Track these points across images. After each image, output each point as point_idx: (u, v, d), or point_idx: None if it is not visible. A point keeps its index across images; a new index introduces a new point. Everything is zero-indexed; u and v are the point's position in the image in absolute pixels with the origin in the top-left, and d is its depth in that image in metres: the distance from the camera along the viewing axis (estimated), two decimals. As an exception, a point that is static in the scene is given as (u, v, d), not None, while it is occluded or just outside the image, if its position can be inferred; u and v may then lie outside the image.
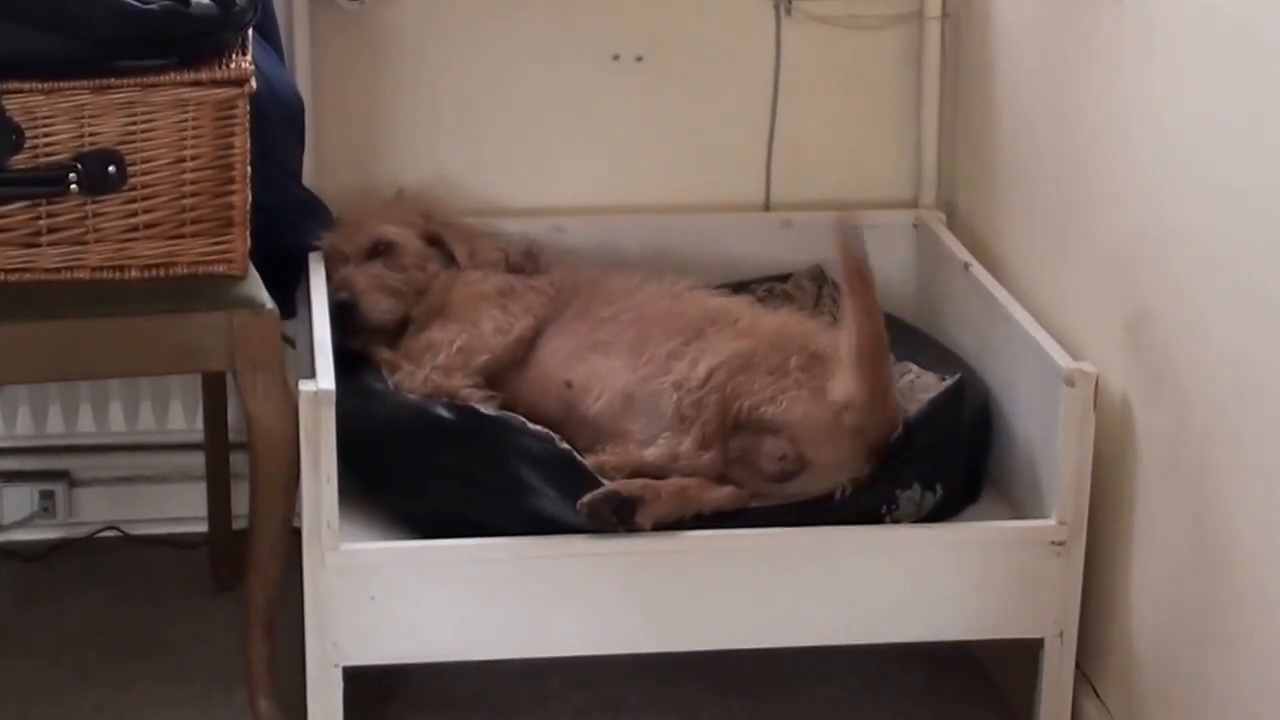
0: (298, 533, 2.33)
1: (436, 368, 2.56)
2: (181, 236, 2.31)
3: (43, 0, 2.18)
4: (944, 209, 2.97)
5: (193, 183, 2.29)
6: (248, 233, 2.33)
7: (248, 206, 2.31)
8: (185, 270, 2.32)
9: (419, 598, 2.33)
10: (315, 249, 2.66)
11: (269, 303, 2.32)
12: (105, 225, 2.29)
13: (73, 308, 2.28)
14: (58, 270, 2.29)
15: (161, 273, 2.31)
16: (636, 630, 2.37)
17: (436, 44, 2.89)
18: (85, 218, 2.28)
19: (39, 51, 2.19)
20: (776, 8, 2.93)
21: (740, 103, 2.96)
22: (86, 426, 2.94)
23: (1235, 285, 2.09)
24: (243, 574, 2.42)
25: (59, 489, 2.96)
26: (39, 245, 2.28)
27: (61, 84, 2.22)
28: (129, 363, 2.35)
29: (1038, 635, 2.41)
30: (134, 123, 2.25)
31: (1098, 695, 2.45)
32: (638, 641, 2.38)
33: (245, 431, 2.35)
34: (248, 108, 2.27)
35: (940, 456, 2.45)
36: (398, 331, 2.65)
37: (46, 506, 2.95)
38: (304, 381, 2.29)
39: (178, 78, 2.24)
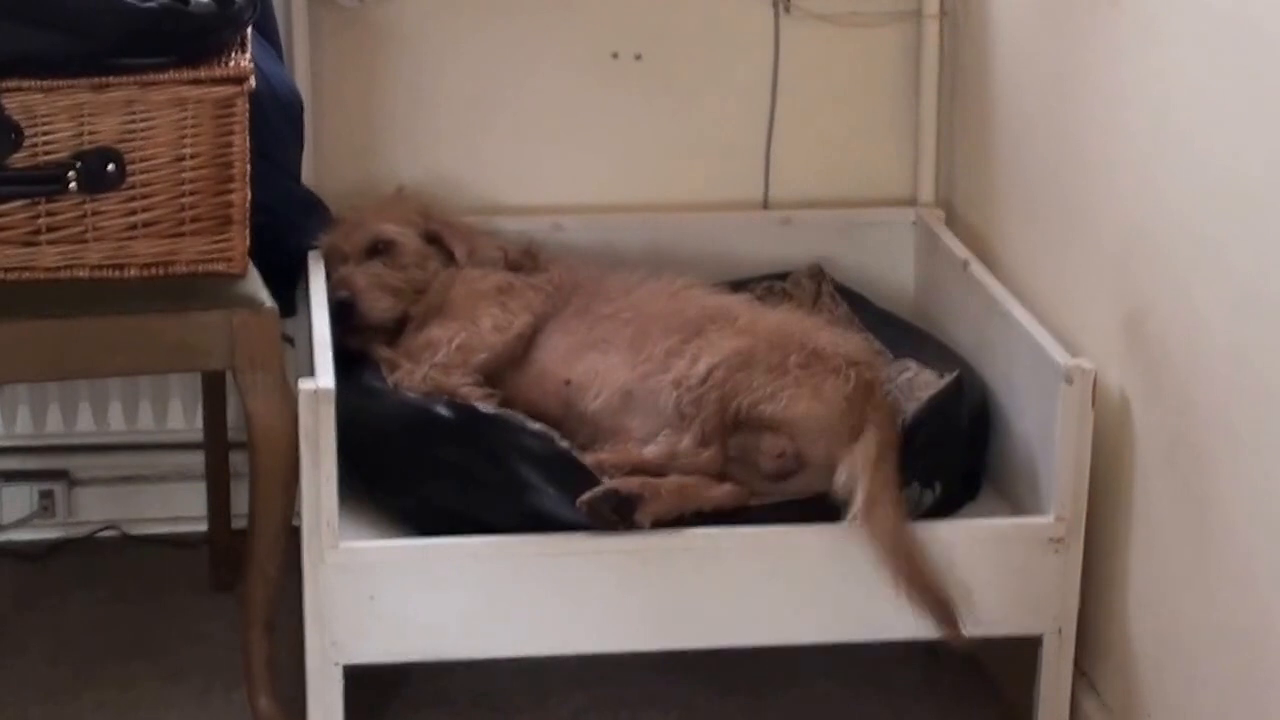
0: (297, 531, 2.33)
1: (435, 365, 2.56)
2: (181, 235, 2.31)
3: (42, -2, 2.19)
4: (943, 206, 2.97)
5: (192, 181, 2.29)
6: (247, 231, 2.33)
7: (247, 205, 2.31)
8: (185, 269, 2.32)
9: (419, 596, 2.33)
10: (315, 248, 2.66)
11: (268, 301, 2.33)
12: (105, 224, 2.29)
13: (72, 306, 2.28)
14: (57, 269, 2.29)
15: (161, 271, 2.31)
16: (636, 628, 2.37)
17: (435, 42, 2.89)
18: (84, 216, 2.28)
19: (38, 49, 2.19)
20: (775, 6, 2.93)
21: (739, 100, 2.96)
22: (86, 426, 2.94)
23: (1233, 282, 2.09)
24: (242, 573, 2.41)
25: (58, 488, 2.96)
26: (38, 244, 2.28)
27: (60, 82, 2.21)
28: (128, 361, 2.35)
29: (1036, 632, 2.41)
30: (133, 121, 2.25)
31: (1096, 692, 2.45)
32: (637, 639, 2.38)
33: (245, 430, 2.35)
34: (247, 106, 2.27)
35: (939, 454, 2.45)
36: (397, 330, 2.66)
37: (46, 506, 2.95)
38: (303, 380, 2.29)
39: (177, 76, 2.24)
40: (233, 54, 2.28)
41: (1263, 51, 2.01)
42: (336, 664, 2.33)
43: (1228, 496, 2.12)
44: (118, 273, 2.30)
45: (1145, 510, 2.31)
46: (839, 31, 2.95)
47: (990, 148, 2.81)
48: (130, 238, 2.30)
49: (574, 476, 2.37)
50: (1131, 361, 2.33)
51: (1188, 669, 2.22)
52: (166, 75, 2.24)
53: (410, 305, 2.66)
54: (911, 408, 2.49)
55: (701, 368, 2.44)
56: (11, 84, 2.21)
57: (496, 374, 2.59)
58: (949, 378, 2.52)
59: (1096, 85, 2.42)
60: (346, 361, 2.49)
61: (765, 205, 3.00)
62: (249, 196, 2.32)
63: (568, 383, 2.55)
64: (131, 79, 2.23)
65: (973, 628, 2.43)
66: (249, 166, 2.31)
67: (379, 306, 2.64)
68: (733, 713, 2.60)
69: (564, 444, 2.41)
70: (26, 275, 2.28)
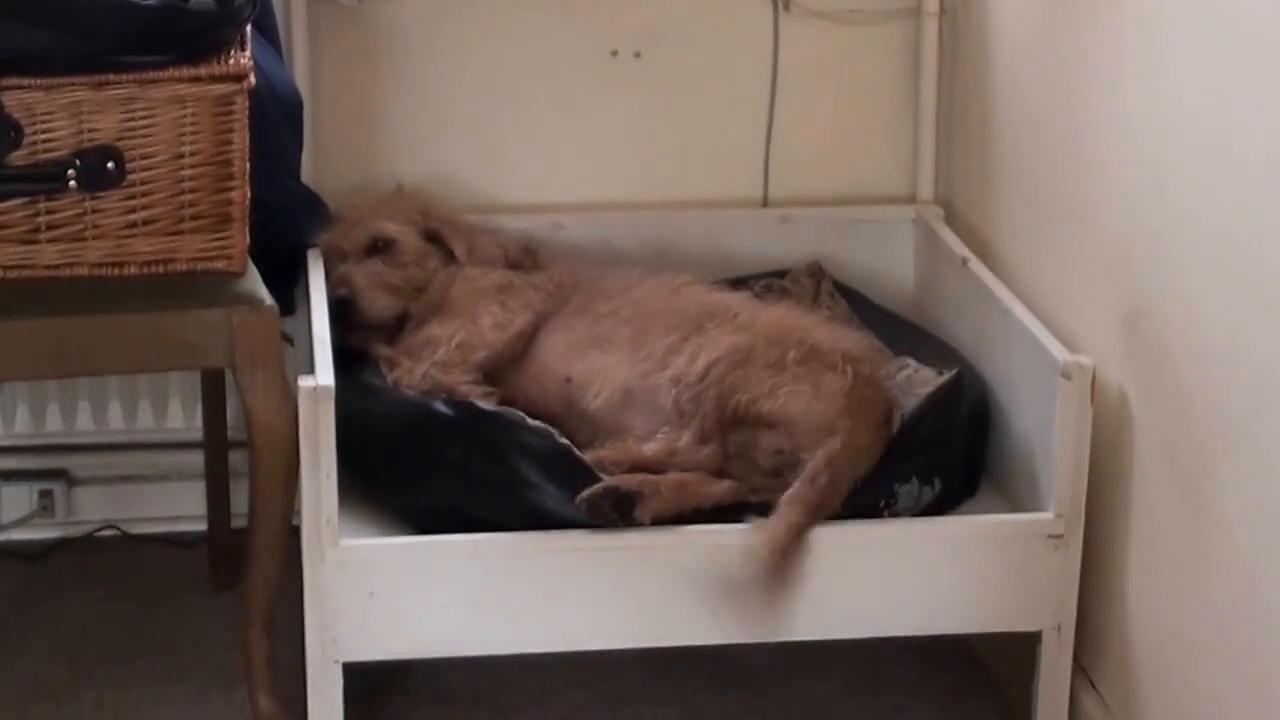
0: (297, 530, 2.33)
1: (435, 363, 2.56)
2: (180, 233, 2.31)
3: (42, -4, 2.19)
4: (942, 204, 2.98)
5: (192, 179, 2.29)
6: (247, 229, 2.33)
7: (247, 203, 2.31)
8: (184, 267, 2.32)
9: (419, 593, 2.33)
10: (314, 246, 2.66)
11: (268, 299, 2.32)
12: (104, 222, 2.29)
13: (72, 304, 2.28)
14: (57, 267, 2.29)
15: (161, 269, 2.31)
16: (635, 625, 2.37)
17: (435, 41, 2.89)
18: (84, 214, 2.28)
19: (38, 47, 2.19)
20: (774, 4, 2.94)
21: (738, 98, 2.96)
22: (85, 425, 2.93)
23: (1233, 278, 2.09)
24: (242, 572, 2.41)
25: (58, 488, 2.96)
26: (38, 242, 2.28)
27: (60, 80, 2.21)
28: (128, 360, 2.35)
29: (1035, 628, 2.41)
30: (133, 119, 2.25)
31: (1095, 688, 2.45)
32: (637, 636, 2.38)
33: (244, 429, 2.35)
34: (246, 103, 2.27)
35: (938, 451, 2.45)
36: (397, 328, 2.66)
37: (45, 505, 2.95)
38: (303, 378, 2.29)
39: (176, 74, 2.24)
40: (232, 52, 2.28)
41: (1264, 50, 2.01)
42: (336, 662, 2.33)
43: (1227, 492, 2.12)
44: (117, 271, 2.30)
45: (1144, 506, 2.31)
46: (838, 29, 2.95)
47: (989, 145, 2.81)
48: (130, 236, 2.30)
49: (573, 473, 2.37)
50: (1130, 358, 2.33)
51: (1187, 665, 2.22)
52: (166, 73, 2.24)
53: (410, 303, 2.66)
54: (911, 404, 2.49)
55: (700, 365, 2.44)
56: (11, 82, 2.21)
57: (497, 372, 2.59)
58: (948, 375, 2.53)
59: (1096, 82, 2.43)
60: (345, 360, 2.49)
61: (764, 203, 3.00)
62: (249, 194, 2.32)
63: (568, 380, 2.55)
64: (131, 77, 2.23)
65: (972, 624, 2.43)
66: (248, 164, 2.31)
67: (378, 305, 2.65)
68: (731, 710, 2.60)
69: (563, 441, 2.41)
70: (26, 273, 2.28)
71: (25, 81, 2.21)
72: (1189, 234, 2.18)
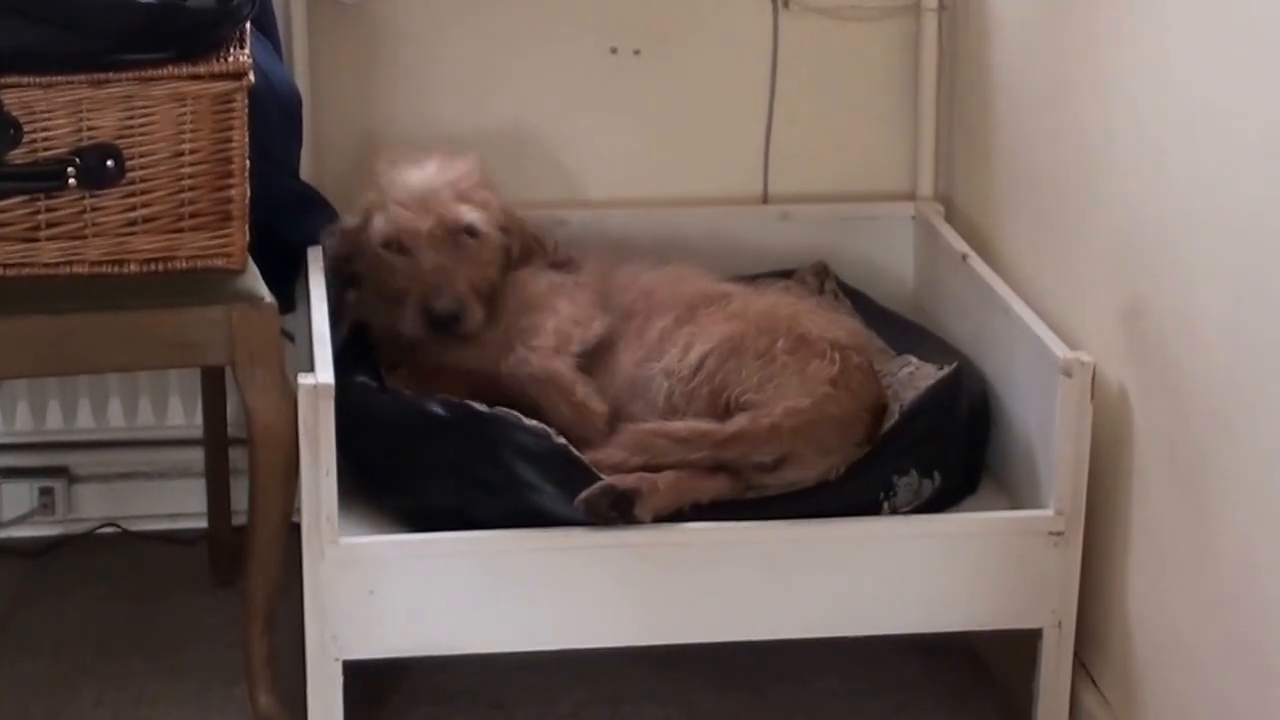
0: (297, 527, 2.33)
1: (540, 349, 2.51)
2: (180, 231, 2.31)
3: (41, -6, 2.19)
4: (941, 201, 2.97)
5: (191, 176, 2.29)
6: (246, 227, 2.32)
7: (246, 200, 2.31)
8: (184, 264, 2.32)
9: (419, 591, 2.33)
10: (314, 243, 2.65)
11: (268, 297, 2.32)
12: (104, 220, 2.29)
13: (71, 302, 2.28)
14: (56, 265, 2.29)
15: (160, 267, 2.31)
16: (636, 623, 2.37)
17: (434, 38, 2.89)
18: (84, 212, 2.28)
19: (37, 45, 2.19)
20: (774, 0, 2.93)
21: (738, 95, 2.96)
22: (85, 422, 2.93)
23: (1234, 275, 2.09)
24: (242, 569, 2.41)
25: (58, 485, 2.96)
26: (38, 240, 2.28)
27: (59, 78, 2.21)
28: (128, 357, 2.35)
29: (1036, 626, 2.41)
30: (132, 117, 2.25)
31: (1096, 685, 2.45)
32: (637, 634, 2.38)
33: (244, 426, 2.35)
34: (246, 101, 2.27)
35: (938, 443, 2.45)
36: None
37: (46, 503, 2.95)
38: (303, 375, 2.29)
39: (176, 71, 2.24)
40: (232, 50, 2.28)
41: (1264, 45, 2.01)
42: (336, 659, 2.33)
43: (1227, 489, 2.12)
44: (117, 268, 2.30)
45: (1145, 503, 2.31)
46: (837, 25, 2.95)
47: (989, 141, 2.81)
48: (130, 233, 2.29)
49: (571, 473, 2.36)
50: (1131, 355, 2.33)
51: (1187, 662, 2.22)
52: (165, 71, 2.23)
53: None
54: (909, 396, 2.49)
55: (693, 357, 2.43)
56: (10, 80, 2.20)
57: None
58: (948, 368, 2.53)
59: (1095, 78, 2.42)
60: (342, 359, 2.48)
61: (764, 200, 3.00)
62: (248, 192, 2.31)
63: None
64: (130, 75, 2.22)
65: (973, 622, 2.43)
66: (248, 162, 2.31)
67: (477, 317, 2.56)
68: (732, 708, 2.60)
69: (560, 440, 2.40)
70: (26, 271, 2.28)
71: (24, 79, 2.21)
72: (1190, 230, 2.18)
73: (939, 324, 2.79)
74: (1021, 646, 2.44)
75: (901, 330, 2.74)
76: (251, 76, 2.27)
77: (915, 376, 2.55)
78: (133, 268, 2.30)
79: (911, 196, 2.99)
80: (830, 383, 2.42)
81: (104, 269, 2.30)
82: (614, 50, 2.93)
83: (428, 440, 2.41)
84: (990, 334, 2.59)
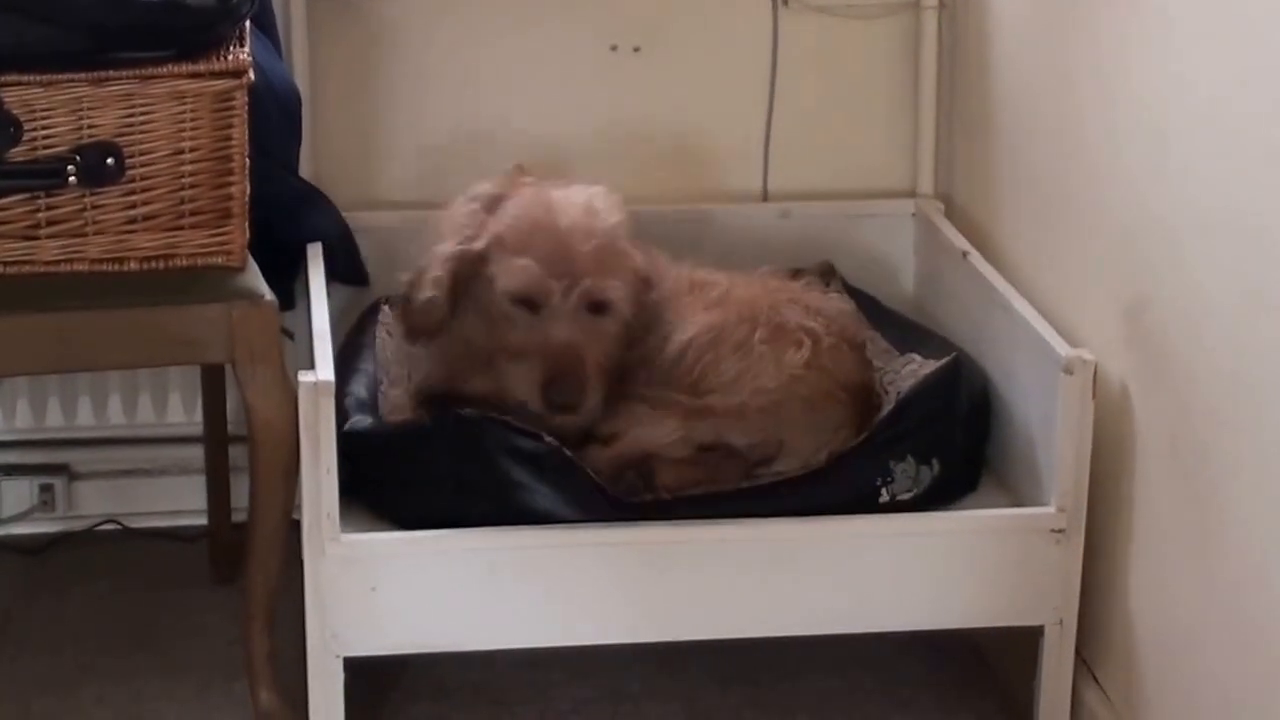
0: (297, 524, 2.33)
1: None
2: (180, 228, 2.30)
3: (41, -8, 2.18)
4: (942, 198, 2.97)
5: (191, 174, 2.29)
6: (246, 224, 2.32)
7: (246, 198, 2.31)
8: (184, 262, 2.31)
9: (419, 588, 2.33)
10: (314, 240, 2.65)
11: (268, 294, 2.32)
12: (104, 217, 2.28)
13: (72, 300, 2.28)
14: (57, 262, 2.28)
15: (160, 265, 2.31)
16: (636, 620, 2.37)
17: (434, 36, 2.89)
18: (84, 210, 2.27)
19: (37, 43, 2.18)
20: (774, -2, 2.94)
21: (738, 92, 2.96)
22: (86, 420, 2.93)
23: (1236, 271, 2.09)
24: (243, 566, 2.41)
25: (58, 482, 2.96)
26: (38, 238, 2.27)
27: (59, 76, 2.21)
28: (128, 355, 2.34)
29: (1037, 623, 2.41)
30: (132, 115, 2.25)
31: (1097, 682, 2.45)
32: (638, 631, 2.38)
33: (244, 424, 2.35)
34: (246, 99, 2.27)
35: (935, 430, 2.44)
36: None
37: (46, 500, 2.95)
38: (303, 373, 2.28)
39: (176, 70, 2.23)
40: (231, 48, 2.27)
41: (1268, 42, 2.01)
42: (337, 656, 2.33)
43: (1230, 486, 2.12)
44: (117, 266, 2.30)
45: (1147, 500, 2.31)
46: (837, 23, 2.95)
47: (990, 139, 2.80)
48: (130, 231, 2.29)
49: (564, 473, 2.36)
50: (1132, 352, 2.33)
51: (1190, 659, 2.22)
52: (165, 69, 2.23)
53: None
54: (907, 386, 2.49)
55: (672, 348, 2.42)
56: (10, 78, 2.20)
57: None
58: (946, 359, 2.52)
59: (1096, 75, 2.42)
60: (342, 361, 2.48)
61: (764, 197, 3.00)
62: (248, 190, 2.31)
63: None
64: (130, 73, 2.22)
65: (974, 619, 2.43)
66: (248, 160, 2.30)
67: (596, 402, 2.36)
68: (734, 705, 2.60)
69: (552, 441, 2.38)
70: (26, 269, 2.28)
71: (25, 78, 2.20)
72: (1191, 227, 2.18)
73: (940, 322, 2.79)
74: (1023, 644, 2.44)
75: (906, 331, 2.74)
76: (251, 74, 2.26)
77: (918, 374, 2.55)
78: (133, 265, 2.30)
79: (912, 194, 2.99)
80: (803, 366, 2.41)
81: (104, 267, 2.30)
82: (614, 48, 2.93)
83: (420, 447, 2.39)
84: (991, 331, 2.59)
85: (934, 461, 2.42)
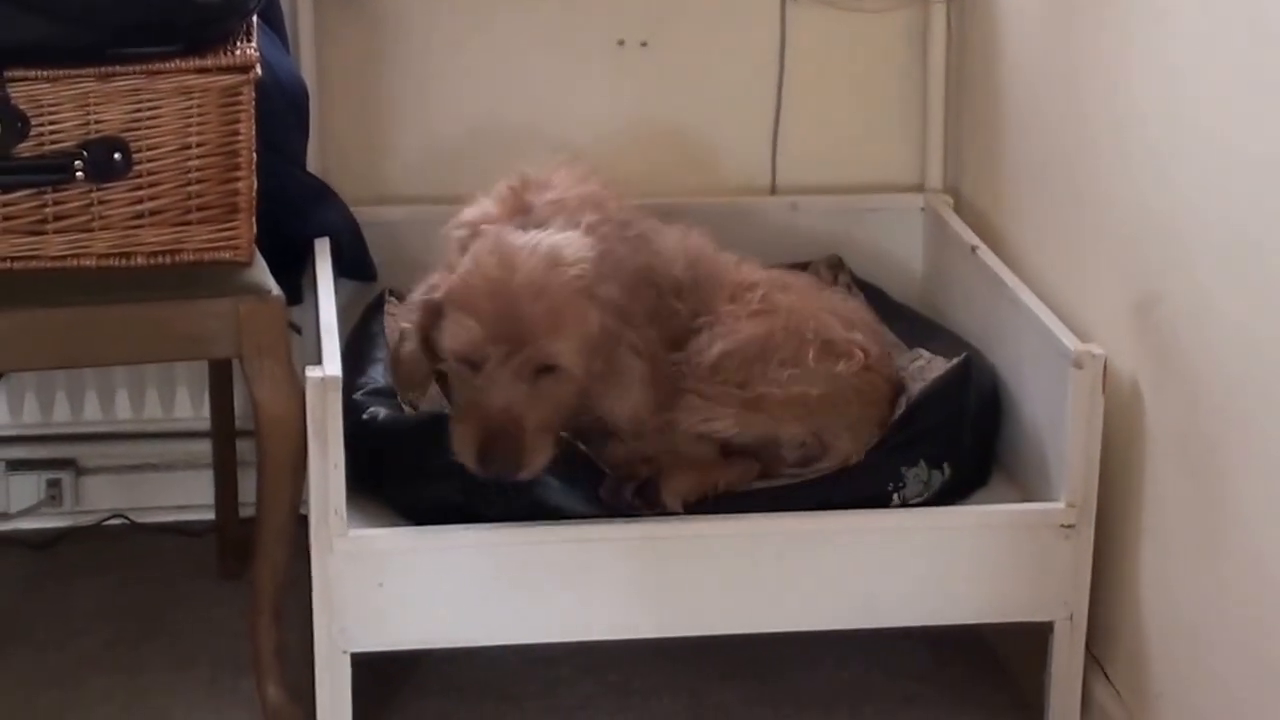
0: (305, 519, 2.33)
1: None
2: (187, 223, 2.30)
3: (48, -13, 2.18)
4: (950, 192, 2.97)
5: (198, 169, 2.29)
6: (253, 219, 2.32)
7: (253, 193, 2.31)
8: (191, 257, 2.31)
9: (427, 584, 2.32)
10: (321, 235, 2.64)
11: (275, 289, 2.32)
12: (111, 212, 2.28)
13: (79, 295, 2.27)
14: (64, 258, 2.28)
15: (167, 260, 2.31)
16: (645, 615, 2.37)
17: (441, 30, 2.89)
18: (91, 205, 2.27)
19: (43, 39, 2.18)
20: (781, -9, 2.93)
21: (745, 87, 2.96)
22: (93, 414, 2.93)
23: (1245, 266, 2.08)
24: (250, 561, 2.41)
25: (66, 477, 2.96)
26: (45, 233, 2.27)
27: (66, 72, 2.21)
28: (135, 350, 2.34)
29: (1047, 618, 2.41)
30: (139, 110, 2.24)
31: (1108, 678, 2.44)
32: (647, 626, 2.38)
33: (252, 418, 2.35)
34: (253, 94, 2.26)
35: (946, 436, 2.45)
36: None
37: (53, 495, 2.95)
38: (310, 368, 2.28)
39: (183, 65, 2.23)
40: (238, 43, 2.27)
41: (1273, 38, 2.00)
42: (345, 652, 2.33)
43: (1239, 481, 2.11)
44: (124, 261, 2.30)
45: (1156, 496, 2.30)
46: (845, 16, 2.94)
47: (998, 132, 2.80)
48: (136, 226, 2.29)
49: (576, 467, 2.36)
50: (1142, 347, 2.32)
51: (1199, 654, 2.21)
52: (172, 64, 2.23)
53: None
54: (917, 388, 2.49)
55: (715, 353, 2.42)
56: (18, 73, 2.20)
57: None
58: (956, 360, 2.52)
59: (1105, 68, 2.42)
60: (349, 359, 2.48)
61: (772, 191, 3.00)
62: (255, 185, 2.31)
63: None
64: (137, 68, 2.22)
65: (984, 614, 2.43)
66: (255, 155, 2.30)
67: (538, 465, 2.30)
68: (741, 699, 2.60)
69: (562, 434, 2.39)
70: (33, 264, 2.28)
71: (31, 73, 2.20)
72: (1201, 220, 2.18)
73: (948, 316, 2.78)
74: (1033, 639, 2.44)
75: (914, 325, 2.74)
76: (258, 70, 2.26)
77: (926, 370, 2.55)
78: (140, 260, 2.30)
79: (920, 188, 2.98)
80: (855, 374, 2.42)
81: (111, 262, 2.29)
82: (621, 42, 2.93)
83: (433, 438, 2.39)
84: (1000, 326, 2.59)
85: (945, 466, 2.42)
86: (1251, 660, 2.10)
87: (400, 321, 2.43)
